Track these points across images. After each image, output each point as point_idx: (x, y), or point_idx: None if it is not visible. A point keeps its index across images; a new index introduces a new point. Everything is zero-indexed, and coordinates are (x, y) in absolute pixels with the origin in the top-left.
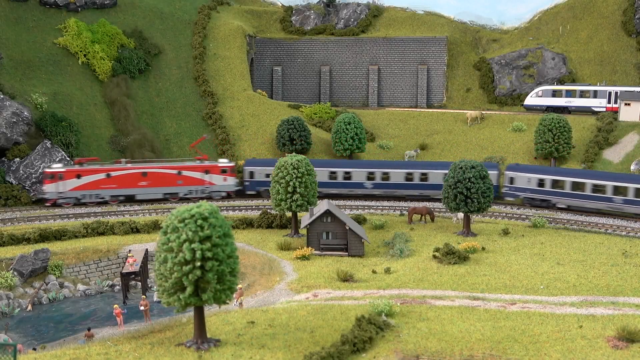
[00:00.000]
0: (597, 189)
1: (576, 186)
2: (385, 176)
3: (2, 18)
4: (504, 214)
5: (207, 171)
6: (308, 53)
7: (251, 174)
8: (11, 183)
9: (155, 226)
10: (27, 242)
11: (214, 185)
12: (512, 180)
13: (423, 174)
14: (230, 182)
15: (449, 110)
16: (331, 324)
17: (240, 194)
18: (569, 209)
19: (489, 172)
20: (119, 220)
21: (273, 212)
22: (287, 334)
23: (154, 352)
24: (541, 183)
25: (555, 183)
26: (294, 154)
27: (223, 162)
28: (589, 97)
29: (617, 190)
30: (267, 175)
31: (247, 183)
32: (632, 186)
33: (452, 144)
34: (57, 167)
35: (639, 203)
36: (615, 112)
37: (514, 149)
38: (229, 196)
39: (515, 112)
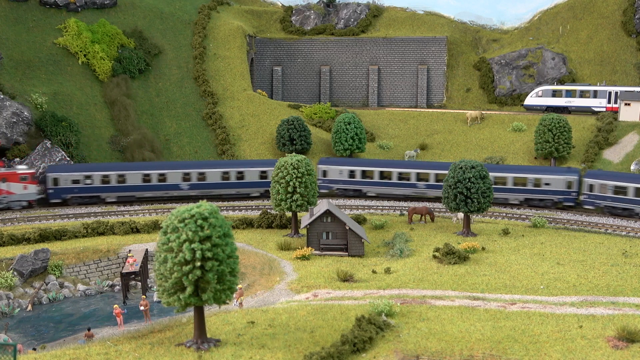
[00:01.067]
0: (402, 176)
1: (384, 175)
2: (202, 176)
3: (2, 18)
4: (504, 214)
5: (3, 179)
6: (308, 53)
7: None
8: None
9: (155, 226)
10: (27, 242)
11: (12, 194)
12: (325, 173)
13: (239, 172)
14: (31, 191)
15: (449, 110)
16: (331, 324)
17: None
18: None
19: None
20: (119, 220)
21: (273, 212)
22: (287, 334)
23: (154, 352)
24: (352, 174)
25: (364, 173)
26: (294, 154)
27: (22, 168)
28: (589, 97)
29: (419, 177)
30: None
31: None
32: (432, 172)
33: (452, 144)
34: None
35: (439, 187)
36: (615, 112)
37: (514, 149)
38: (30, 206)
39: (515, 112)
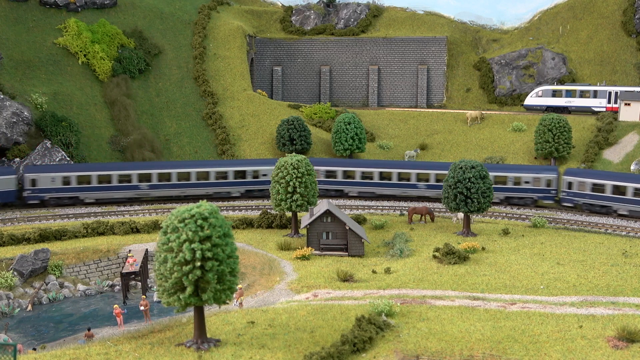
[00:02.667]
0: (123, 179)
1: (104, 179)
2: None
3: (2, 18)
4: (504, 214)
5: None
6: (308, 53)
7: None
8: None
9: (155, 226)
10: (27, 242)
11: None
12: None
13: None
14: None
15: (449, 110)
16: (331, 324)
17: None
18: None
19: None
20: (119, 220)
21: (273, 212)
22: (287, 334)
23: (154, 352)
24: (67, 181)
25: (79, 179)
26: (294, 154)
27: None
28: (589, 97)
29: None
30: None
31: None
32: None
33: (452, 144)
34: None
35: (162, 187)
36: (615, 112)
37: (514, 149)
38: None
39: (515, 112)
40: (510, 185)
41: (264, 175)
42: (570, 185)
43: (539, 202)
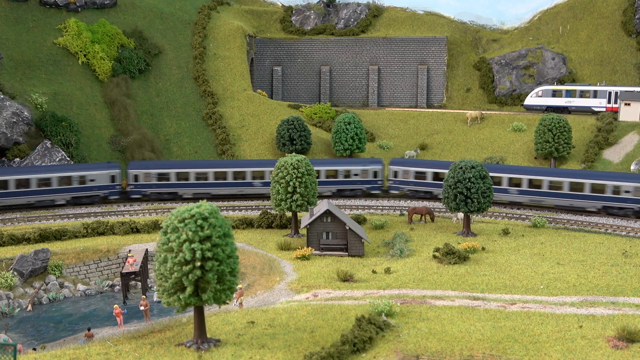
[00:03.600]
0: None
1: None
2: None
3: (2, 18)
4: (504, 214)
5: None
6: (308, 53)
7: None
8: None
9: (155, 226)
10: (27, 242)
11: None
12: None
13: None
14: None
15: (449, 110)
16: (331, 324)
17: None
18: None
19: None
20: (119, 220)
21: (273, 212)
22: (287, 334)
23: (154, 352)
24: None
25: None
26: (294, 154)
27: None
28: (589, 97)
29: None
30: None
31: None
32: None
33: (452, 144)
34: None
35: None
36: (615, 112)
37: (514, 149)
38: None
39: (515, 112)
40: (341, 178)
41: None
42: (396, 174)
43: (368, 192)
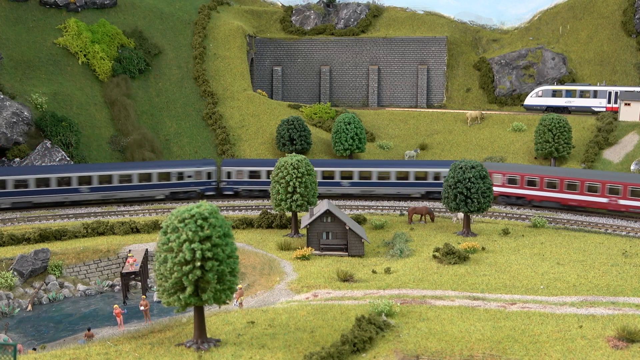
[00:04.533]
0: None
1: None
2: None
3: (2, 18)
4: (504, 214)
5: None
6: (308, 53)
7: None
8: None
9: (155, 226)
10: (27, 242)
11: None
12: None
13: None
14: None
15: (449, 110)
16: (331, 324)
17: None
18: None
19: None
20: (119, 220)
21: (273, 212)
22: (287, 334)
23: (154, 352)
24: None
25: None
26: (294, 154)
27: None
28: (589, 97)
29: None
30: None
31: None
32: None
33: (452, 144)
34: None
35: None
36: (615, 112)
37: (514, 149)
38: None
39: (515, 112)
40: (174, 180)
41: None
42: (229, 174)
43: (202, 194)
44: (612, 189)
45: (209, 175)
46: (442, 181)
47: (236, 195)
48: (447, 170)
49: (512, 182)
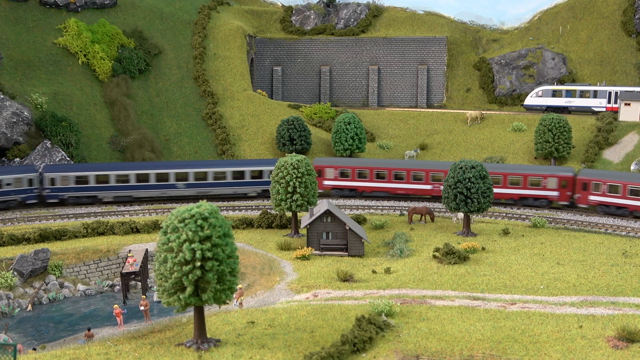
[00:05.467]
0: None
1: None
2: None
3: (2, 18)
4: (504, 214)
5: None
6: (308, 53)
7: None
8: None
9: (155, 226)
10: (27, 242)
11: None
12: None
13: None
14: None
15: (449, 110)
16: (331, 324)
17: None
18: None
19: None
20: (119, 220)
21: (273, 212)
22: (287, 334)
23: (154, 352)
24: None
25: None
26: (294, 154)
27: None
28: (589, 97)
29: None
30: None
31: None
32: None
33: (452, 144)
34: None
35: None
36: (615, 112)
37: (514, 149)
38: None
39: (515, 112)
40: None
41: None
42: (53, 181)
43: (23, 202)
44: (435, 177)
45: (30, 182)
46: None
47: (62, 203)
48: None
49: (344, 175)
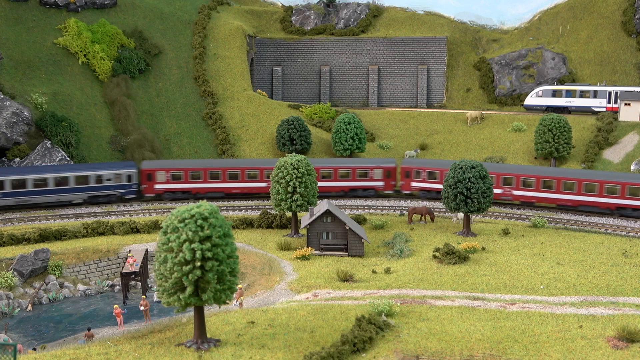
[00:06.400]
0: None
1: None
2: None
3: (2, 18)
4: (504, 214)
5: None
6: (308, 53)
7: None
8: None
9: (155, 226)
10: (27, 242)
11: None
12: None
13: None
14: None
15: (449, 110)
16: (331, 324)
17: None
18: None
19: None
20: (119, 220)
21: (273, 212)
22: (287, 334)
23: (154, 352)
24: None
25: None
26: (294, 154)
27: None
28: (589, 97)
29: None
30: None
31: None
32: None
33: (452, 144)
34: None
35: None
36: (615, 112)
37: (514, 149)
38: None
39: (515, 112)
40: None
41: None
42: None
43: None
44: (268, 174)
45: None
46: (106, 184)
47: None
48: (110, 172)
49: (176, 177)
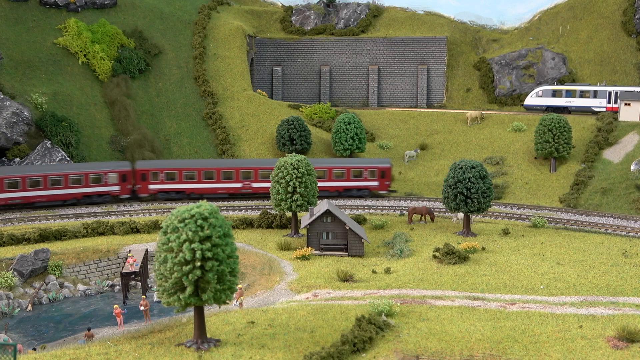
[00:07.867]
0: None
1: None
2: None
3: (2, 18)
4: (504, 214)
5: None
6: (308, 53)
7: None
8: None
9: (155, 226)
10: (27, 242)
11: None
12: None
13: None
14: None
15: (449, 110)
16: (331, 324)
17: None
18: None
19: None
20: (119, 220)
21: (273, 212)
22: (287, 334)
23: (154, 352)
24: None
25: None
26: (294, 154)
27: None
28: (589, 97)
29: None
30: None
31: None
32: None
33: (452, 144)
34: None
35: None
36: (615, 112)
37: (514, 149)
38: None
39: (515, 112)
40: None
41: None
42: None
43: None
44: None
45: None
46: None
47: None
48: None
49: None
